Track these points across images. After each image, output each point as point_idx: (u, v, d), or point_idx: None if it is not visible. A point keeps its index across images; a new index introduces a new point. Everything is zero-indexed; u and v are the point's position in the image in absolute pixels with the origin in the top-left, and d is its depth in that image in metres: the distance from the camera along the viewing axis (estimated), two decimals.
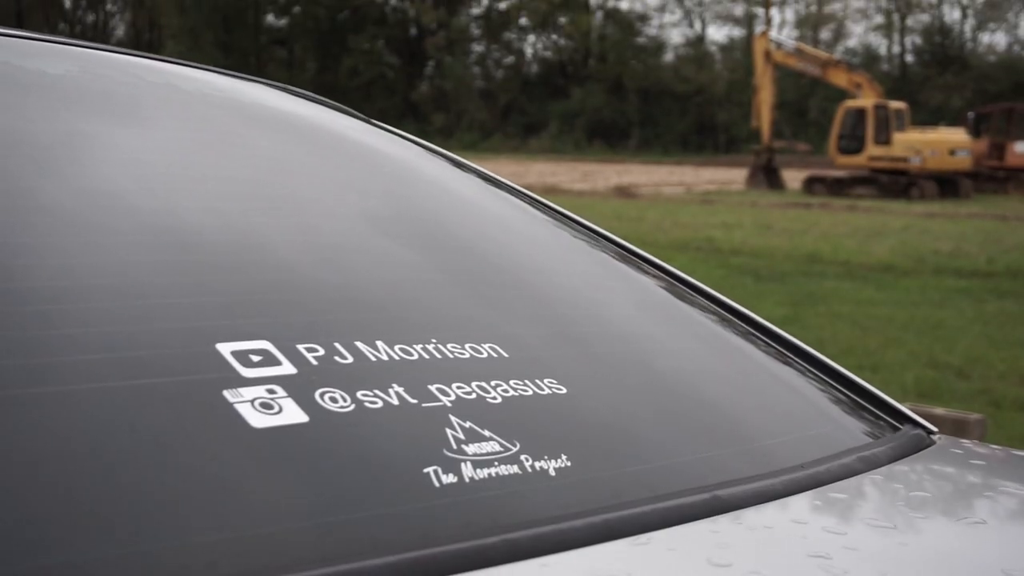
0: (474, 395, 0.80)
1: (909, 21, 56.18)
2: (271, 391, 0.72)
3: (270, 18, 61.05)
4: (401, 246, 1.04)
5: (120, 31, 60.13)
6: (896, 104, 26.93)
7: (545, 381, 0.86)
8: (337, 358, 0.78)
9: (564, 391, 0.86)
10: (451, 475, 0.72)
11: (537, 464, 0.76)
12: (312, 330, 0.81)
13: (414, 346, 0.83)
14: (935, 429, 1.10)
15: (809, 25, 57.52)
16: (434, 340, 0.85)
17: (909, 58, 56.14)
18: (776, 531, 0.79)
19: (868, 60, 53.29)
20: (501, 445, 0.76)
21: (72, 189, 0.91)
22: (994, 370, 6.45)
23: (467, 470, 0.73)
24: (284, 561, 0.61)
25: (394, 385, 0.78)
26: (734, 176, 31.22)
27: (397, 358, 0.81)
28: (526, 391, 0.84)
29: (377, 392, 0.76)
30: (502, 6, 59.89)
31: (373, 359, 0.80)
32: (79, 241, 0.84)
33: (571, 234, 1.29)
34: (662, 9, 65.32)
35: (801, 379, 1.12)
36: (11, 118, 0.98)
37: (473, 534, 0.67)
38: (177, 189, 0.99)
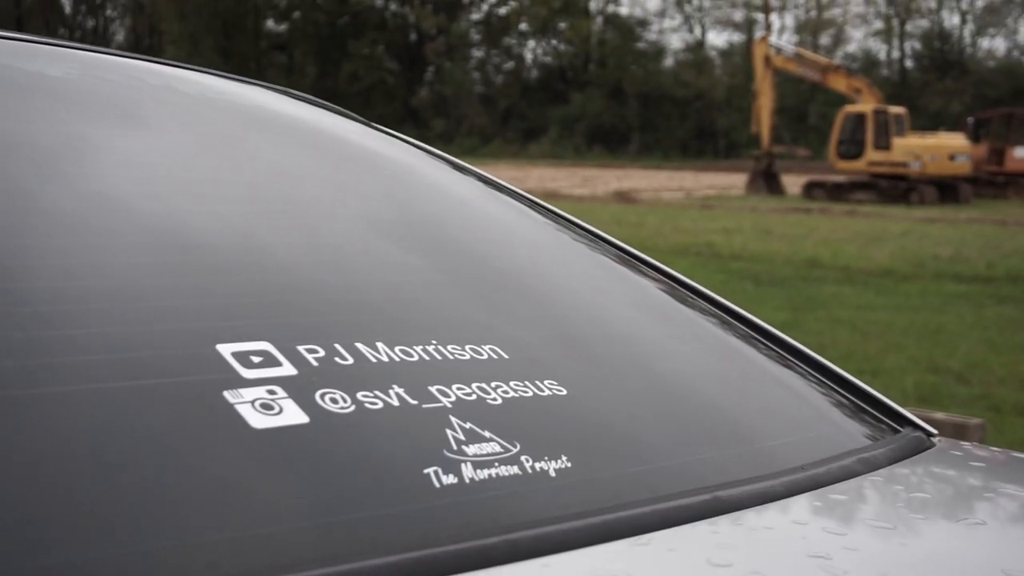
0: (474, 396, 0.80)
1: (908, 26, 56.28)
2: (271, 392, 0.72)
3: (270, 23, 61.15)
4: (401, 248, 1.04)
5: (120, 36, 60.21)
6: (896, 109, 26.94)
7: (545, 382, 0.86)
8: (337, 359, 0.78)
9: (564, 392, 0.86)
10: (451, 476, 0.72)
11: (537, 465, 0.76)
12: (312, 331, 0.81)
13: (414, 347, 0.83)
14: (935, 431, 1.10)
15: (809, 30, 57.57)
16: (434, 341, 0.85)
17: (909, 63, 56.23)
18: (776, 532, 0.79)
19: (868, 65, 53.31)
20: (501, 446, 0.76)
21: (72, 191, 0.91)
22: (994, 375, 6.45)
23: (467, 471, 0.73)
24: (284, 561, 0.61)
25: (394, 386, 0.78)
26: (734, 181, 31.24)
27: (397, 359, 0.81)
28: (526, 392, 0.84)
29: (377, 393, 0.76)
30: (502, 11, 59.97)
31: (373, 360, 0.80)
32: (80, 243, 0.85)
33: (571, 236, 1.29)
34: (662, 14, 65.48)
35: (801, 381, 1.12)
36: (11, 120, 0.98)
37: (473, 534, 0.67)
38: (177, 191, 0.99)
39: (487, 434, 0.77)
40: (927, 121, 37.71)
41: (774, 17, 55.50)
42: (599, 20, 60.03)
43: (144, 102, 1.16)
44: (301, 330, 0.81)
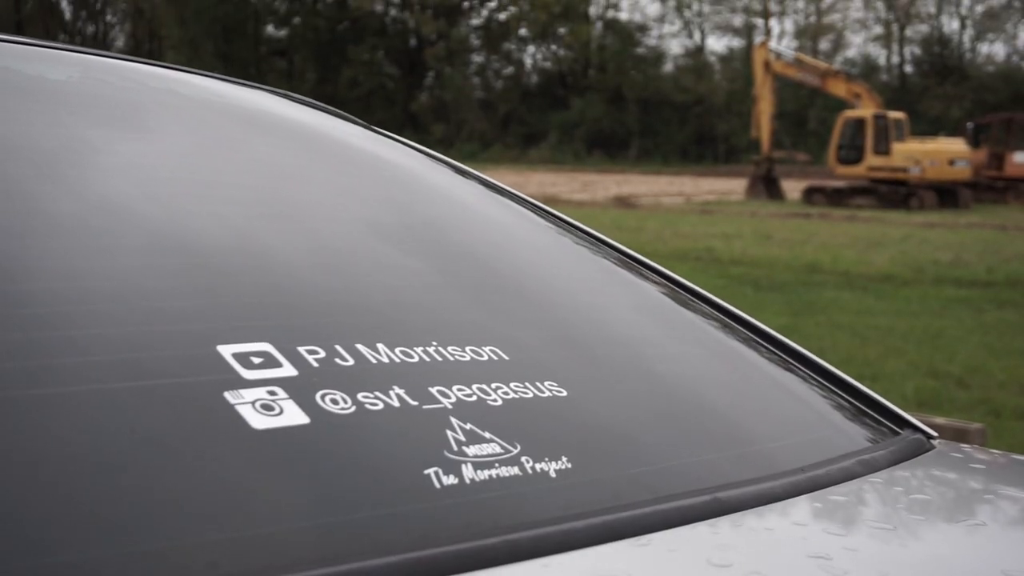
0: (475, 397, 0.80)
1: (908, 31, 56.34)
2: (272, 393, 0.72)
3: (270, 29, 61.19)
4: (402, 250, 1.04)
5: (120, 42, 60.23)
6: (895, 114, 26.97)
7: (546, 384, 0.86)
8: (338, 360, 0.78)
9: (565, 393, 0.86)
10: (452, 476, 0.72)
11: (538, 466, 0.76)
12: (313, 332, 0.81)
13: (415, 348, 0.83)
14: (935, 434, 1.10)
15: (808, 36, 57.62)
16: (435, 342, 0.85)
17: (908, 68, 56.31)
18: (776, 533, 0.79)
19: (867, 70, 53.36)
20: (502, 447, 0.76)
21: (73, 193, 0.91)
22: (994, 379, 6.45)
23: (468, 471, 0.73)
24: (285, 561, 0.61)
25: (395, 387, 0.78)
26: (734, 186, 31.25)
27: (398, 360, 0.81)
28: (527, 393, 0.84)
29: (378, 394, 0.76)
30: (502, 17, 60.03)
31: (374, 361, 0.80)
32: (80, 244, 0.85)
33: (571, 239, 1.29)
34: (662, 20, 65.59)
35: (801, 384, 1.12)
36: (13, 123, 0.99)
37: (474, 535, 0.67)
38: (178, 193, 0.99)
39: (487, 435, 0.77)
40: (927, 126, 37.76)
41: (773, 22, 55.70)
42: (599, 25, 60.11)
43: (145, 105, 1.16)
44: (301, 331, 0.81)
